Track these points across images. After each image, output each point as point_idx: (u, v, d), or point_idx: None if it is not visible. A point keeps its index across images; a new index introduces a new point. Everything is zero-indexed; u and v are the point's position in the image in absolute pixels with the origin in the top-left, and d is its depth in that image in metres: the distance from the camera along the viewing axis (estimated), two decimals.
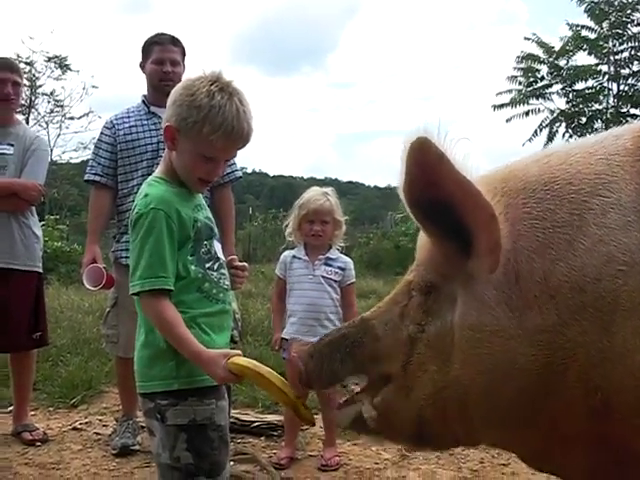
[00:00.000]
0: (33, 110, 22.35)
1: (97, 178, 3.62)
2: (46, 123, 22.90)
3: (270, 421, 3.92)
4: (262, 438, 3.81)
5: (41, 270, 3.90)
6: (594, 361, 1.21)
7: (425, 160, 1.24)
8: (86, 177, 3.70)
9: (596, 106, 14.27)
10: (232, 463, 3.35)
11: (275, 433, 3.83)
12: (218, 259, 2.04)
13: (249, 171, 63.85)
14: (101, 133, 3.72)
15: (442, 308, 1.38)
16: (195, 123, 1.89)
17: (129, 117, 3.65)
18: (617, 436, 1.26)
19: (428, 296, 1.42)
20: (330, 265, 3.38)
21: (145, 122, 3.61)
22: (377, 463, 3.41)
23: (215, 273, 2.00)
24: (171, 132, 1.95)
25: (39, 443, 3.64)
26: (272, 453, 3.51)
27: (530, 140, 14.36)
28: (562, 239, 1.26)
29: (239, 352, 1.82)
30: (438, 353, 1.37)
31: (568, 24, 13.83)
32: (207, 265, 1.98)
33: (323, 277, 3.34)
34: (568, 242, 1.25)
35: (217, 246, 2.06)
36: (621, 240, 1.22)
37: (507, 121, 14.16)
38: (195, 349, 1.83)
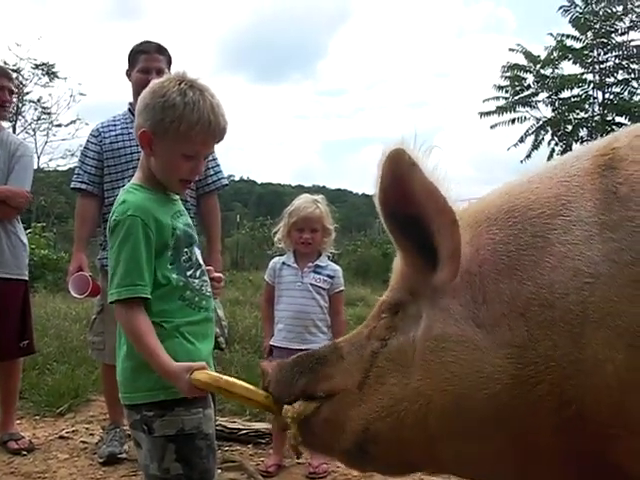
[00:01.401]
0: (20, 117, 22.32)
1: (83, 186, 3.62)
2: (33, 130, 22.90)
3: (258, 429, 3.92)
4: (250, 446, 3.81)
5: (27, 278, 3.90)
6: (567, 374, 1.23)
7: (398, 169, 1.30)
8: (72, 185, 3.70)
9: (582, 114, 14.37)
10: (219, 471, 3.36)
11: (263, 441, 3.83)
12: (200, 266, 2.04)
13: (237, 179, 63.89)
14: (87, 141, 3.72)
15: (407, 324, 1.42)
16: (172, 122, 1.91)
17: (115, 125, 3.66)
18: (591, 449, 1.27)
19: (395, 315, 1.46)
20: (319, 273, 3.40)
21: (131, 130, 3.58)
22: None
23: (197, 280, 2.00)
24: (147, 137, 1.95)
25: (25, 452, 3.63)
26: (260, 461, 3.51)
27: (515, 146, 14.44)
28: (528, 260, 1.31)
29: (203, 364, 1.79)
30: (398, 366, 1.40)
31: (552, 35, 13.96)
32: (188, 273, 1.98)
33: (312, 285, 3.36)
34: (534, 262, 1.30)
35: (197, 252, 2.07)
36: (585, 254, 1.26)
37: (491, 127, 14.24)
38: (160, 361, 1.81)
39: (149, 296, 1.88)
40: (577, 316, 1.23)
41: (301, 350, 3.22)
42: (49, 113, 23.01)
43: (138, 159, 3.45)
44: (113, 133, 3.62)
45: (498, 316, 1.30)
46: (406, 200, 1.33)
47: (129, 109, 3.72)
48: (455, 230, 1.33)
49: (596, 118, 14.12)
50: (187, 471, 1.90)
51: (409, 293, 1.45)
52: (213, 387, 1.75)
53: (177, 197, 2.11)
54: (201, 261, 2.07)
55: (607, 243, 1.25)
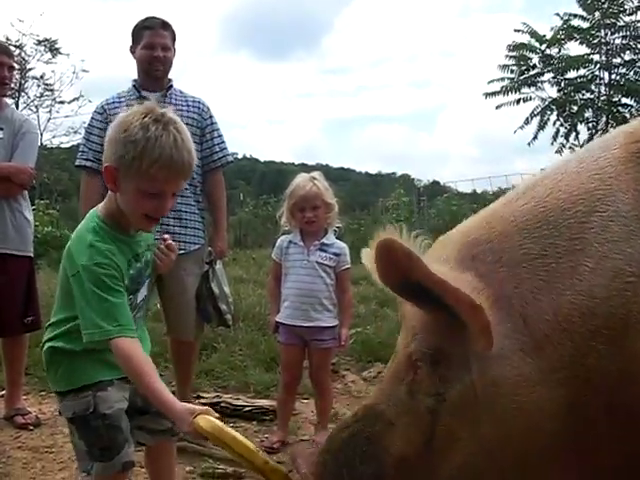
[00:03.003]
0: (23, 94, 22.19)
1: (88, 164, 3.60)
2: (36, 107, 22.75)
3: (262, 405, 3.94)
4: (254, 422, 3.83)
5: (32, 255, 3.90)
6: (613, 383, 1.18)
7: (395, 259, 1.22)
8: (77, 162, 3.69)
9: (587, 95, 14.28)
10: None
11: (267, 417, 3.85)
12: (139, 309, 2.12)
13: (240, 157, 63.74)
14: (92, 118, 3.69)
15: (458, 372, 1.29)
16: (133, 159, 1.86)
17: (120, 102, 3.62)
18: None
19: (438, 364, 1.32)
20: (325, 251, 3.39)
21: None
22: None
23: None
24: (110, 173, 1.92)
25: (32, 427, 3.65)
26: (264, 437, 3.53)
27: (522, 128, 14.36)
28: (566, 267, 1.22)
29: (206, 409, 1.80)
30: (465, 419, 1.28)
31: (558, 14, 13.82)
32: None
33: (317, 263, 3.35)
34: (572, 268, 1.21)
35: (142, 292, 2.12)
36: (626, 251, 1.18)
37: (497, 108, 14.16)
38: (164, 401, 1.84)
39: (133, 334, 1.92)
40: (620, 319, 1.17)
41: (306, 327, 3.28)
42: (52, 90, 22.86)
43: None
44: (119, 110, 3.53)
45: (542, 338, 1.21)
46: (412, 282, 1.23)
47: (134, 86, 3.70)
48: (479, 313, 1.21)
49: (602, 99, 14.03)
50: (89, 448, 2.04)
51: (447, 339, 1.30)
52: (214, 438, 1.73)
53: (140, 235, 2.10)
54: (142, 298, 2.13)
55: None
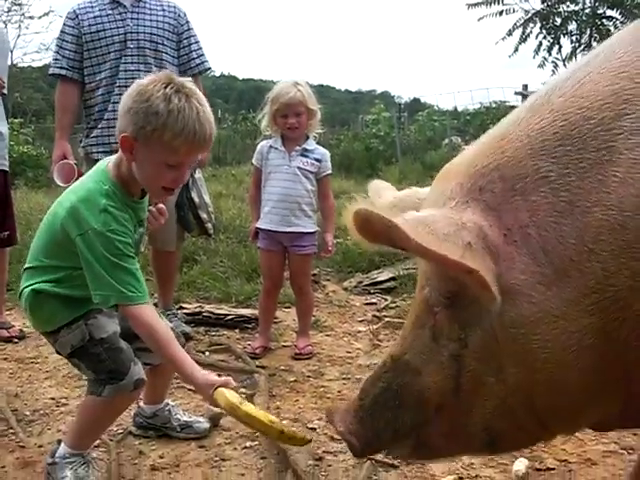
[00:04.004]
0: None
1: (63, 72, 3.51)
2: (4, 23, 22.00)
3: (243, 314, 3.99)
4: (236, 330, 3.89)
5: (7, 169, 3.77)
6: None
7: (374, 231, 1.13)
8: (51, 70, 3.59)
9: (572, 7, 14.00)
10: (207, 353, 3.46)
11: (249, 326, 3.91)
12: None
13: (217, 74, 62.36)
14: (64, 24, 3.57)
15: (476, 315, 1.21)
16: (154, 131, 1.83)
17: (92, 7, 3.51)
18: None
19: (455, 308, 1.25)
20: (306, 156, 3.36)
21: (110, 12, 3.48)
22: (349, 352, 3.52)
23: None
24: (128, 142, 1.88)
25: (16, 340, 3.68)
26: (247, 344, 3.59)
27: (503, 39, 14.10)
28: (593, 182, 1.11)
29: (227, 380, 1.84)
30: (489, 364, 1.22)
31: None
32: None
33: (299, 168, 3.33)
34: (600, 182, 1.10)
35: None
36: None
37: (479, 20, 13.85)
38: (184, 371, 1.90)
39: (147, 301, 1.96)
40: None
41: (286, 233, 3.30)
42: (20, 4, 22.09)
43: (119, 42, 3.43)
44: (91, 15, 3.47)
45: (567, 264, 1.12)
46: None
47: None
48: (474, 277, 1.12)
49: (587, 11, 13.77)
50: (98, 375, 2.07)
51: (456, 285, 1.21)
52: (230, 414, 1.79)
53: (144, 201, 2.10)
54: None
55: None
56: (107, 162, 2.04)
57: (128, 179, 1.98)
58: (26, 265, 2.12)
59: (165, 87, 1.84)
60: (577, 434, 2.48)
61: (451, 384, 1.26)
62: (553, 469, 2.26)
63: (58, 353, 2.17)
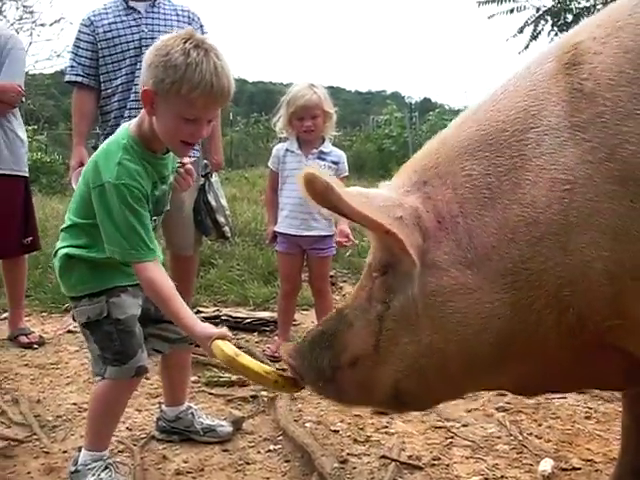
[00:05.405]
0: (1, 17, 21.54)
1: (79, 79, 3.52)
2: (16, 31, 22.08)
3: (262, 317, 4.01)
4: (255, 334, 3.90)
5: (27, 175, 3.83)
6: (561, 283, 1.28)
7: (316, 190, 1.35)
8: (67, 78, 3.59)
9: (583, 3, 13.94)
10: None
11: (267, 328, 3.92)
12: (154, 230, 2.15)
13: None
14: (79, 31, 3.56)
15: (402, 283, 1.43)
16: (173, 83, 1.86)
17: (107, 13, 3.51)
18: (593, 342, 1.33)
19: (387, 275, 1.47)
20: (323, 159, 3.36)
21: (124, 18, 3.49)
22: None
23: None
24: (149, 96, 1.91)
25: (36, 346, 3.70)
26: (266, 347, 3.59)
27: (514, 36, 14.05)
28: (509, 184, 1.31)
29: (223, 332, 1.88)
30: (406, 326, 1.42)
31: None
32: None
33: None
34: (515, 184, 1.30)
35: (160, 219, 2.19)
36: (559, 161, 1.27)
37: (489, 18, 13.81)
38: (185, 323, 1.94)
39: (155, 257, 1.99)
40: (561, 225, 1.26)
41: (305, 237, 3.29)
42: (31, 12, 22.18)
43: (134, 48, 3.44)
44: (106, 22, 3.48)
45: (488, 249, 1.32)
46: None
47: None
48: (393, 238, 1.35)
49: (598, 7, 13.68)
50: (103, 352, 2.11)
51: (392, 254, 1.44)
52: (227, 360, 1.83)
53: (167, 158, 2.12)
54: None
55: (580, 145, 1.25)
56: (131, 122, 2.09)
57: (149, 136, 2.01)
58: (62, 225, 2.17)
59: (185, 42, 1.88)
60: (602, 434, 2.47)
61: (372, 340, 1.47)
62: (579, 469, 2.25)
63: (73, 319, 2.22)
